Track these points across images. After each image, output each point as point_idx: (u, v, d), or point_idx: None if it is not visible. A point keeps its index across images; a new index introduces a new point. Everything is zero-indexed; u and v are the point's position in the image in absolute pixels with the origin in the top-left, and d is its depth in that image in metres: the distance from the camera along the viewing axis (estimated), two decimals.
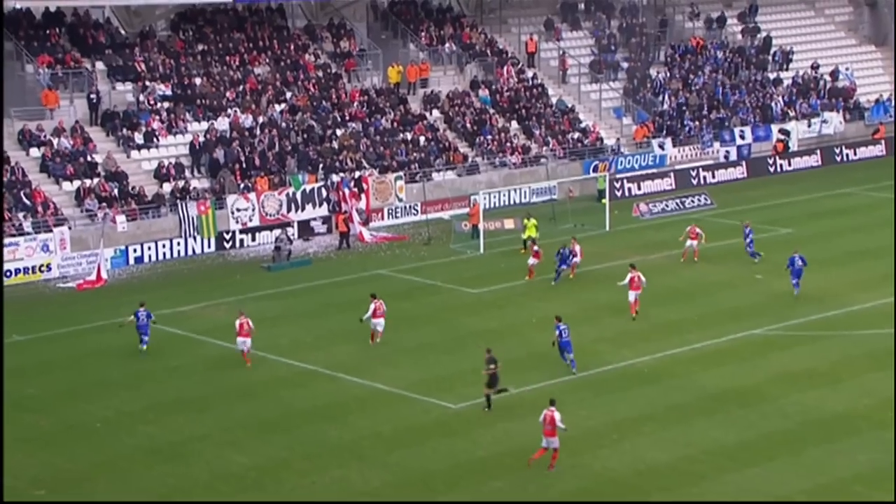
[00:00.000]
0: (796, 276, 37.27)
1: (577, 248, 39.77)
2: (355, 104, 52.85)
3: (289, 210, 46.01)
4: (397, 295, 38.45)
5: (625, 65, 61.36)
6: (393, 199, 49.26)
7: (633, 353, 32.47)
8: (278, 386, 30.44)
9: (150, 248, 42.72)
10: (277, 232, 44.03)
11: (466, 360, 32.08)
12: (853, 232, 45.60)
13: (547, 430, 25.43)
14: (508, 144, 54.15)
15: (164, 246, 43.02)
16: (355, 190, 47.59)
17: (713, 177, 56.06)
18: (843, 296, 37.08)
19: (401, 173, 49.97)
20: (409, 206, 49.46)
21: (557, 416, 25.43)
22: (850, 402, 28.60)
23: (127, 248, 42.30)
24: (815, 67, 65.58)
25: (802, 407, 28.34)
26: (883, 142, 62.41)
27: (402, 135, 52.52)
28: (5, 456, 25.47)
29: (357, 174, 48.58)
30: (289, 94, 51.79)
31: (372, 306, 33.30)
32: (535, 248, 40.28)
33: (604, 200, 48.37)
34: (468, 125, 54.63)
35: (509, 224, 47.41)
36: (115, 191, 44.29)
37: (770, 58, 65.43)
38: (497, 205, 50.69)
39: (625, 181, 53.71)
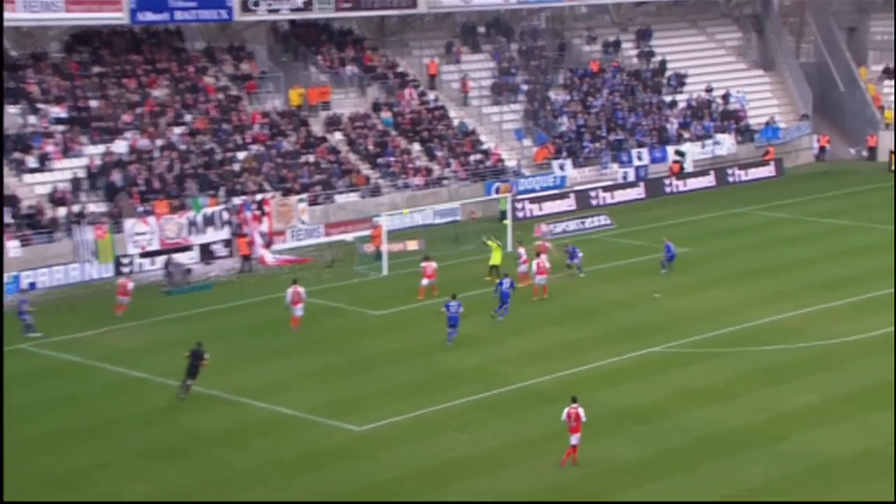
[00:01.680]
0: (669, 259, 38.68)
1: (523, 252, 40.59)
2: (256, 126, 52.36)
3: (189, 233, 45.29)
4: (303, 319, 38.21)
5: (525, 87, 61.95)
6: (295, 222, 48.84)
7: (535, 372, 32.64)
8: (179, 412, 29.83)
9: (44, 274, 41.59)
10: (174, 256, 43.22)
11: (370, 383, 31.92)
12: (747, 251, 46.66)
13: (572, 426, 26.16)
14: (411, 166, 54.16)
15: (58, 271, 41.91)
16: (257, 212, 47.07)
17: (612, 197, 56.85)
18: (737, 313, 37.84)
19: (303, 195, 49.59)
20: (312, 229, 49.12)
21: (582, 411, 26.18)
22: (746, 417, 29.15)
23: (19, 273, 41.08)
24: (708, 90, 67.11)
25: (700, 423, 28.78)
26: (772, 163, 64.16)
27: (304, 157, 52.15)
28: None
29: (259, 197, 48.06)
30: (188, 117, 51.07)
31: (290, 291, 33.78)
32: (432, 264, 40.20)
33: (505, 221, 48.69)
34: (370, 147, 54.52)
35: (412, 246, 47.35)
36: (9, 215, 43.04)
37: (665, 81, 66.77)
38: (400, 226, 50.63)
39: (526, 202, 54.12)
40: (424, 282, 40.22)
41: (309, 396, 30.95)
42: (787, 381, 31.62)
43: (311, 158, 52.20)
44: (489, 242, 42.77)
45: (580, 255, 42.25)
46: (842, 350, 34.11)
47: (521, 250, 40.86)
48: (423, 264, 40.65)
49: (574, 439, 26.24)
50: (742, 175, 62.08)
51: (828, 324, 36.69)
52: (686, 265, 43.99)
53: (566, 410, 26.36)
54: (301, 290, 36.76)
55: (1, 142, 44.36)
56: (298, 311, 36.43)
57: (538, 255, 40.78)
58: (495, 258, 42.38)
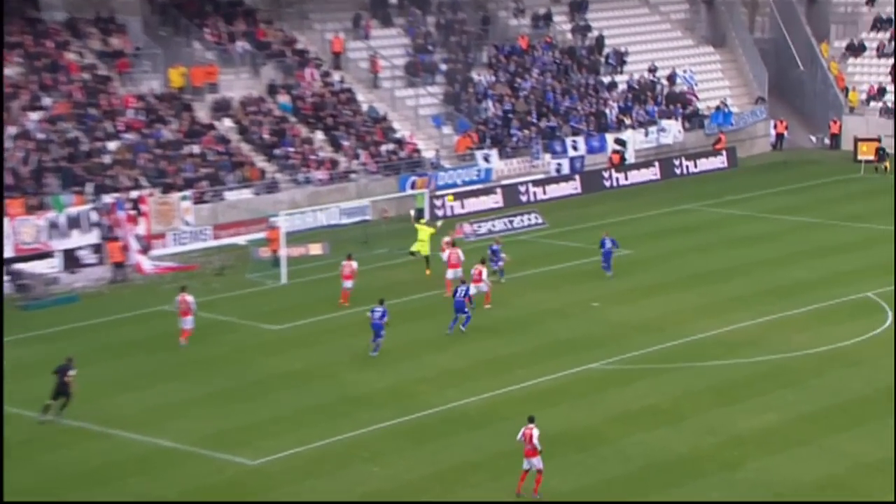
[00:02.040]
0: (606, 258, 39.50)
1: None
2: (130, 112, 51.81)
3: (50, 237, 44.61)
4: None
5: (444, 67, 62.26)
6: (178, 223, 48.46)
7: (458, 393, 32.83)
8: (39, 448, 29.38)
9: None
10: (22, 265, 42.24)
11: (267, 409, 31.81)
12: (696, 252, 47.47)
13: (527, 449, 26.37)
14: (313, 158, 54.10)
15: None
16: (132, 212, 46.60)
17: (544, 192, 57.42)
18: (685, 323, 38.48)
19: (187, 192, 49.22)
20: (198, 231, 48.79)
21: (536, 433, 26.44)
22: (695, 441, 29.66)
23: None
24: (651, 70, 68.13)
25: (644, 448, 29.21)
26: (724, 152, 65.35)
27: (187, 147, 51.77)
28: None
29: (134, 194, 47.60)
30: (47, 100, 50.32)
31: (177, 300, 35.49)
32: (352, 264, 40.22)
33: (423, 221, 48.88)
34: (266, 136, 54.31)
35: (315, 250, 47.24)
36: None
37: (602, 59, 67.63)
38: (301, 227, 50.46)
39: (446, 199, 54.41)
40: (347, 284, 40.27)
41: (194, 426, 30.72)
42: (741, 399, 32.24)
43: (196, 149, 51.84)
44: (418, 226, 42.69)
45: (503, 257, 42.53)
46: (803, 364, 34.88)
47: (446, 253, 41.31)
48: (343, 263, 40.67)
49: (528, 464, 26.57)
50: (690, 166, 63.19)
51: (787, 334, 37.50)
52: (628, 269, 44.59)
53: (522, 430, 26.75)
54: (190, 298, 36.75)
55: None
56: (188, 323, 36.46)
57: (453, 245, 41.50)
58: (422, 246, 42.26)
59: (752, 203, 56.33)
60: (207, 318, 39.49)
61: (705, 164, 63.84)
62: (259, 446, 29.44)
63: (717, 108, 67.36)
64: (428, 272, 42.41)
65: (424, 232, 43.01)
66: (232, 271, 45.36)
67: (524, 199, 56.37)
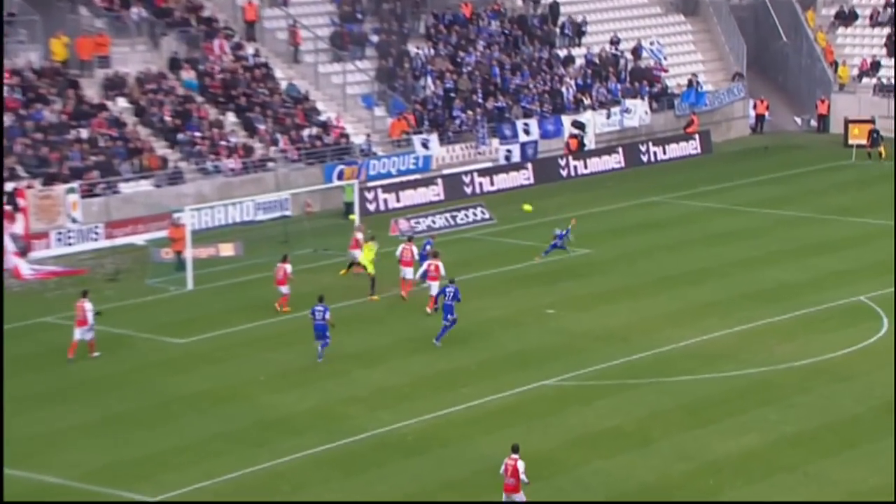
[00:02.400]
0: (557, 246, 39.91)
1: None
2: (4, 89, 51.31)
3: None
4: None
5: (375, 38, 62.25)
6: (63, 220, 48.08)
7: (393, 415, 32.84)
8: None
9: None
10: None
11: (169, 437, 31.64)
12: (665, 251, 47.81)
13: (508, 484, 26.37)
14: (223, 144, 53.89)
15: None
16: (8, 208, 46.18)
17: (491, 183, 57.59)
18: (652, 333, 38.73)
19: (74, 185, 48.87)
20: (87, 230, 48.44)
21: (521, 465, 26.38)
22: (664, 468, 29.85)
23: None
24: (613, 43, 68.58)
25: (606, 477, 29.37)
26: (697, 137, 65.93)
27: (74, 132, 51.38)
28: None
29: (10, 186, 47.16)
30: None
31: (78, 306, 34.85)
32: (286, 267, 40.39)
33: (352, 216, 48.82)
34: (167, 118, 54.03)
35: (227, 250, 47.03)
36: None
37: (558, 30, 67.95)
38: (210, 225, 50.23)
39: (379, 191, 54.41)
40: (283, 289, 40.44)
41: (84, 458, 30.47)
42: (716, 420, 32.51)
43: (85, 134, 51.45)
44: (369, 243, 42.89)
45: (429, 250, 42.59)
46: (787, 379, 35.22)
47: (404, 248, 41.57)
48: (278, 265, 40.77)
49: (506, 497, 26.53)
50: (658, 153, 63.71)
51: (769, 345, 37.84)
52: (588, 271, 44.82)
53: (504, 462, 26.77)
54: (89, 306, 36.63)
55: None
56: (79, 334, 36.52)
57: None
58: (366, 259, 42.44)
59: (728, 194, 56.85)
60: (100, 331, 39.07)
61: (675, 150, 64.40)
62: (160, 480, 29.25)
63: (689, 85, 67.94)
64: (375, 297, 42.10)
65: (370, 251, 42.71)
66: (128, 276, 45.04)
67: (468, 190, 56.52)
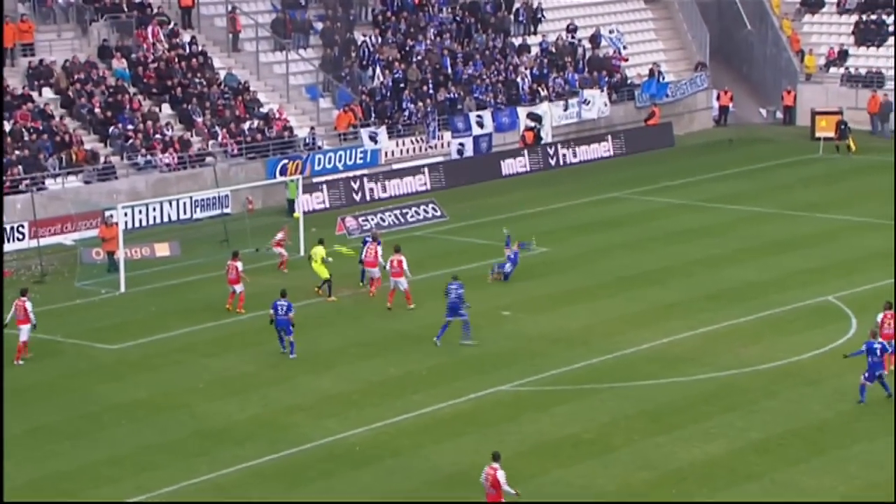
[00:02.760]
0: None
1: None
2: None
3: None
4: None
5: (319, 25, 62.10)
6: None
7: (340, 423, 32.78)
8: None
9: None
10: None
11: (101, 448, 31.45)
12: (624, 250, 47.96)
13: (490, 494, 26.36)
14: (158, 137, 53.60)
15: None
16: None
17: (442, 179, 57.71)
18: (612, 336, 38.84)
19: None
20: (13, 228, 48.05)
21: (502, 475, 26.44)
22: (625, 477, 29.95)
23: None
24: (571, 30, 68.75)
25: (565, 487, 29.43)
26: (658, 129, 66.18)
27: None
28: None
29: None
30: None
31: (16, 305, 35.59)
32: (236, 264, 40.56)
33: (296, 214, 48.72)
34: (97, 110, 53.68)
35: (162, 250, 46.83)
36: None
37: (512, 17, 68.04)
38: (144, 223, 49.98)
39: (325, 187, 54.30)
40: (237, 288, 40.54)
41: (7, 472, 30.24)
42: (679, 426, 32.63)
43: (8, 126, 51.05)
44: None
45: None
46: (752, 383, 35.40)
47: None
48: (228, 263, 40.85)
49: None
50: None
51: (733, 348, 38.02)
52: (544, 271, 44.89)
53: (484, 471, 26.82)
54: (28, 305, 36.73)
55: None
56: (24, 334, 36.51)
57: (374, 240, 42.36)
58: (319, 270, 42.46)
59: (691, 190, 57.12)
60: None
61: (636, 143, 64.56)
62: (91, 495, 29.09)
63: (650, 75, 68.19)
64: (332, 299, 42.30)
65: (317, 253, 42.75)
66: (56, 278, 44.73)
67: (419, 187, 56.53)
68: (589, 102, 64.92)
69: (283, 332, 36.89)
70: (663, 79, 68.39)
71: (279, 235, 45.31)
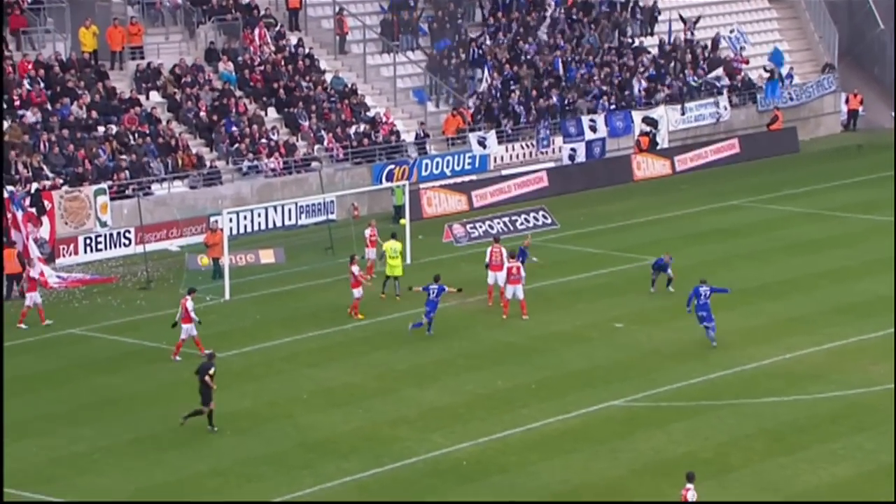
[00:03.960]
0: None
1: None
2: (26, 82, 51.77)
3: None
4: (101, 365, 37.86)
5: (426, 27, 62.29)
6: (92, 223, 48.46)
7: (446, 438, 32.88)
8: None
9: None
10: None
11: (204, 459, 31.85)
12: (745, 260, 47.57)
13: None
14: (264, 142, 54.13)
15: None
16: (32, 210, 46.59)
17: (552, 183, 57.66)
18: (731, 350, 38.56)
19: (104, 185, 49.23)
20: (118, 234, 48.81)
21: (692, 496, 27.12)
22: (744, 499, 29.73)
23: None
24: (689, 29, 68.24)
25: None
26: (781, 134, 65.51)
27: (103, 128, 51.81)
28: None
29: (34, 187, 47.58)
30: None
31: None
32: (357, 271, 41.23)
33: (403, 221, 48.93)
34: (203, 114, 54.35)
35: (267, 257, 47.24)
36: None
37: (628, 16, 67.77)
38: (249, 229, 50.45)
39: (431, 193, 54.49)
40: (357, 293, 41.06)
41: (111, 483, 30.71)
42: (804, 446, 32.33)
43: (115, 130, 51.85)
44: (386, 246, 43.33)
45: (534, 260, 42.95)
46: (882, 402, 34.93)
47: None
48: (353, 268, 41.35)
49: None
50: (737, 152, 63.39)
51: (862, 365, 37.58)
52: (658, 283, 44.65)
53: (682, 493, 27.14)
54: (190, 304, 38.11)
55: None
56: (184, 333, 37.99)
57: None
58: (396, 264, 42.89)
59: (817, 198, 56.51)
60: (130, 344, 39.51)
61: (762, 147, 64.02)
62: None
63: (770, 76, 67.44)
64: (388, 295, 42.82)
65: (394, 248, 43.17)
66: (162, 284, 45.29)
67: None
68: (720, 79, 64.50)
69: (429, 311, 39.43)
70: (783, 83, 67.54)
71: (368, 232, 45.19)
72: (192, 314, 37.95)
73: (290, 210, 51.78)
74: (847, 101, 70.12)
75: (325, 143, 55.29)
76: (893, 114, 68.90)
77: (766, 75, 67.26)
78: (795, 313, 41.76)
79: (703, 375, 36.66)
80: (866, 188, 58.20)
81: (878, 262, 46.94)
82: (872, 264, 46.81)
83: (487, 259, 42.44)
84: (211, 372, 33.37)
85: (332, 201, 52.23)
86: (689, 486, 27.21)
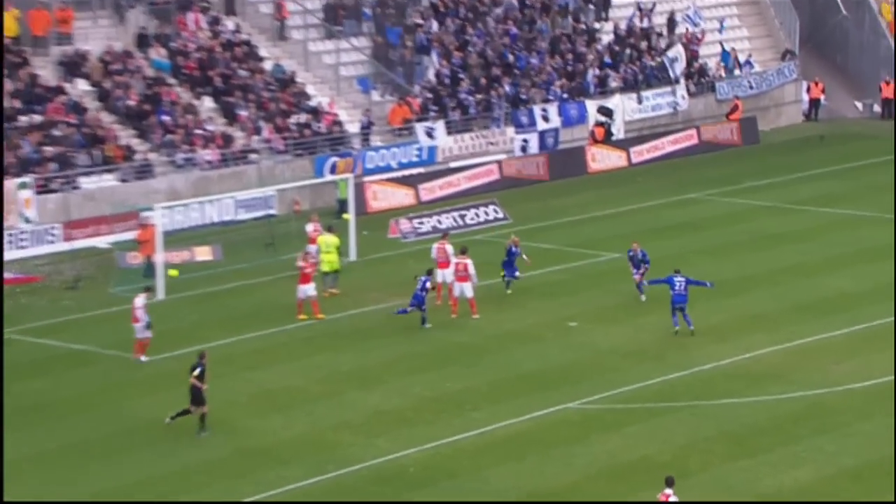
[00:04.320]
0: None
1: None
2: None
3: None
4: (26, 369, 37.57)
5: (369, 11, 62.19)
6: (15, 219, 48.14)
7: (391, 443, 32.86)
8: None
9: None
10: None
11: (138, 467, 31.70)
12: (703, 256, 47.75)
13: None
14: (199, 132, 53.94)
15: None
16: None
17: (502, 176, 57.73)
18: (690, 350, 38.72)
19: (27, 179, 48.93)
20: (43, 231, 48.54)
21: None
22: (707, 502, 29.90)
23: None
24: (645, 15, 68.47)
25: None
26: (736, 124, 65.76)
27: (26, 118, 51.47)
28: None
29: None
30: None
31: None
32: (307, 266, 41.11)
33: (346, 215, 48.87)
34: (134, 103, 54.09)
35: (203, 254, 47.06)
36: None
37: (582, 2, 67.89)
38: (184, 225, 50.27)
39: (376, 187, 54.45)
40: (307, 291, 40.86)
41: (35, 492, 30.52)
42: (764, 449, 32.46)
43: (39, 120, 51.54)
44: (319, 240, 43.24)
45: (525, 259, 42.97)
46: (844, 403, 35.14)
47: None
48: (300, 264, 41.29)
49: None
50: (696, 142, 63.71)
51: (823, 364, 37.79)
52: (616, 279, 44.77)
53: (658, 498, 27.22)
54: (140, 302, 37.87)
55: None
56: (140, 332, 37.79)
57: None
58: (332, 259, 42.74)
59: (778, 191, 56.84)
60: (56, 347, 39.26)
61: (717, 137, 64.35)
62: None
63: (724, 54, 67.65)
64: (334, 291, 42.81)
65: (327, 242, 43.16)
66: (90, 284, 45.07)
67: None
68: (677, 60, 64.68)
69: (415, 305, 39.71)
70: (734, 62, 67.86)
71: (310, 227, 44.99)
72: (141, 313, 37.60)
73: (227, 205, 51.58)
74: (808, 89, 70.57)
75: (265, 133, 55.14)
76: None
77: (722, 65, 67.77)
78: (756, 310, 41.97)
79: (661, 376, 36.80)
80: (828, 181, 58.60)
81: (840, 258, 47.29)
82: (835, 259, 47.15)
83: (433, 255, 42.47)
84: (196, 373, 33.19)
85: (272, 195, 52.13)
86: (669, 490, 27.23)
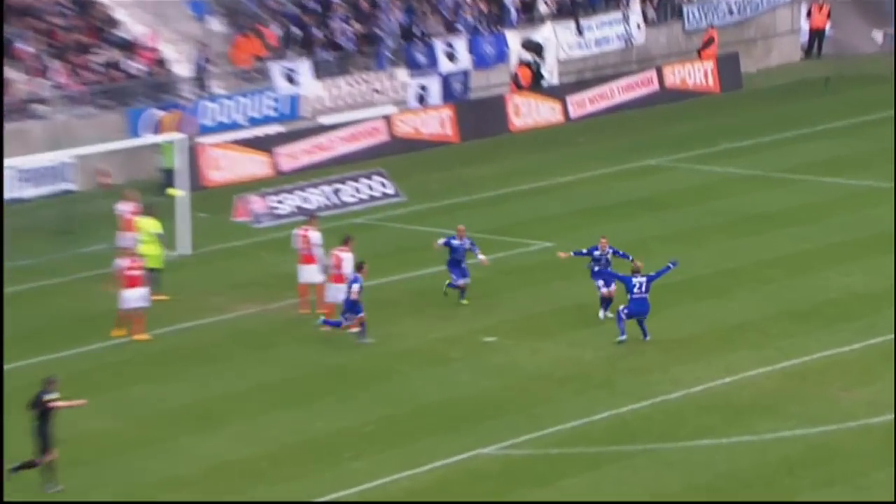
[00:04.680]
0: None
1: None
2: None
3: None
4: None
5: None
6: None
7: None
8: None
9: None
10: None
11: None
12: (667, 243, 48.04)
13: None
14: None
15: None
16: None
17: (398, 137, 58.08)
18: (648, 372, 39.00)
19: None
20: None
21: None
22: None
23: None
24: None
25: None
26: (711, 64, 66.26)
27: None
28: None
29: None
30: None
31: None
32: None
33: (173, 191, 48.74)
34: None
35: None
36: None
37: None
38: None
39: (217, 151, 54.45)
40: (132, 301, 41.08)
41: None
42: None
43: None
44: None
45: (481, 259, 43.49)
46: (859, 444, 35.33)
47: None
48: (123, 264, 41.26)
49: None
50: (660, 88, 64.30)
51: (830, 391, 38.10)
52: (547, 276, 45.03)
53: None
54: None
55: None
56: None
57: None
58: (151, 252, 42.88)
59: (765, 155, 57.44)
60: None
61: (684, 81, 64.93)
62: None
63: None
64: (160, 297, 42.78)
65: (147, 229, 43.24)
66: None
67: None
68: (613, 24, 65.32)
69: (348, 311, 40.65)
70: None
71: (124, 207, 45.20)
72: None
73: (7, 176, 51.11)
74: (809, 15, 71.15)
75: (56, 77, 54.78)
76: None
77: None
78: (737, 319, 42.35)
79: (610, 409, 37.00)
80: (835, 140, 59.30)
81: (848, 246, 47.74)
82: (841, 248, 47.61)
83: (295, 245, 42.44)
84: (49, 398, 32.98)
85: (68, 164, 51.87)
86: None
